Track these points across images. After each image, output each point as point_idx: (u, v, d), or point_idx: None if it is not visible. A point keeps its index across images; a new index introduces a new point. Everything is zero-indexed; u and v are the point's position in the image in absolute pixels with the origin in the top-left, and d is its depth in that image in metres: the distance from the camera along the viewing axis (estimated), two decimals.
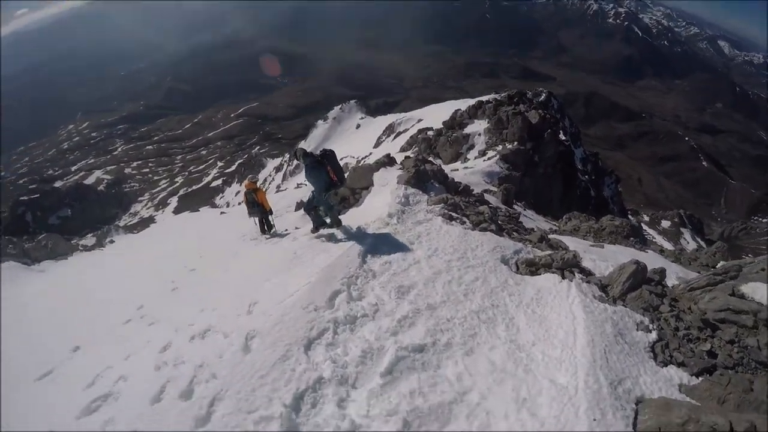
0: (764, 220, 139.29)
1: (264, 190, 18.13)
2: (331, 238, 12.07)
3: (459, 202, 14.81)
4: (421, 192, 15.09)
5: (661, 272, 10.07)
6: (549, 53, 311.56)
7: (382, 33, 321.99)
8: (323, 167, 11.54)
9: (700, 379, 6.63)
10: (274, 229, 17.14)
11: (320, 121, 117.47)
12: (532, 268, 10.46)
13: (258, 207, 16.58)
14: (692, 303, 8.65)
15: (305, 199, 13.83)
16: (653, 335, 7.60)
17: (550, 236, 16.16)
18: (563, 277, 9.76)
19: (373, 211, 13.71)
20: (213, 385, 6.39)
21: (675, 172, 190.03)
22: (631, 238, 22.80)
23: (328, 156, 11.83)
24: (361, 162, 55.81)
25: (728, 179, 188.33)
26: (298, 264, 10.70)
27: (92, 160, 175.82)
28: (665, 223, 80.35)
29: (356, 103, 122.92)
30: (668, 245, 61.08)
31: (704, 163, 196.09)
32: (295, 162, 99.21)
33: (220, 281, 12.15)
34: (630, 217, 68.01)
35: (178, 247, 22.87)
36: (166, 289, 13.41)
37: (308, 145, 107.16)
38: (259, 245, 15.14)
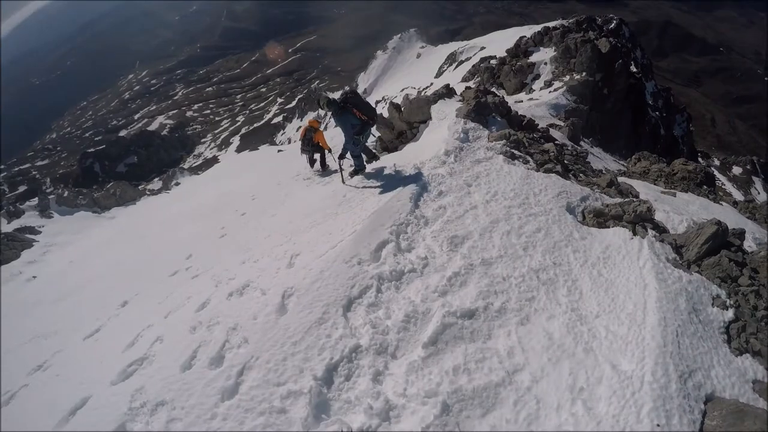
0: None
1: (323, 130, 17.59)
2: (384, 178, 11.35)
3: (522, 139, 13.60)
4: (481, 127, 13.87)
5: (741, 234, 9.00)
6: None
7: None
8: (348, 111, 11.10)
9: None
10: (328, 167, 16.57)
11: (379, 52, 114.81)
12: (600, 219, 9.44)
13: (313, 146, 16.11)
14: (766, 266, 7.84)
15: None
16: (730, 313, 6.78)
17: (620, 179, 15.05)
18: (634, 233, 8.76)
19: (429, 147, 12.77)
20: (244, 351, 5.94)
21: (751, 115, 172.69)
22: (704, 187, 21.29)
23: (350, 98, 11.27)
24: (423, 92, 54.40)
25: None
26: (347, 208, 10.07)
27: (154, 107, 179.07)
28: (736, 170, 75.42)
29: (416, 32, 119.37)
30: (737, 194, 57.88)
31: None
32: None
33: (267, 227, 11.66)
34: (700, 159, 64.70)
35: (233, 189, 22.71)
36: (216, 235, 13.18)
37: (367, 77, 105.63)
38: (311, 186, 14.53)
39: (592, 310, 6.64)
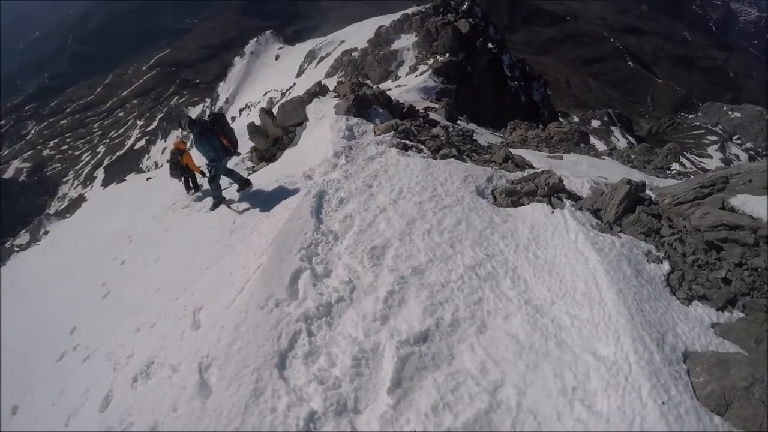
0: (690, 116, 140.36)
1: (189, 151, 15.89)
2: (273, 194, 9.97)
3: (410, 127, 12.88)
4: (365, 121, 12.96)
5: (644, 186, 8.93)
6: None
7: None
8: (214, 133, 10.12)
9: (726, 313, 6.21)
10: (200, 191, 14.87)
11: (237, 58, 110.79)
12: (514, 197, 9.03)
13: (182, 169, 14.41)
14: (682, 219, 8.21)
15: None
16: (666, 266, 6.96)
17: (508, 149, 14.84)
18: (553, 206, 8.51)
19: (314, 150, 11.63)
20: None
21: (601, 73, 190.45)
22: (582, 145, 21.91)
23: (218, 120, 10.41)
24: (287, 94, 53.06)
25: (654, 78, 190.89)
26: (241, 237, 8.65)
27: (6, 151, 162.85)
28: (595, 123, 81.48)
29: (272, 34, 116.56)
30: (600, 144, 61.98)
31: (630, 63, 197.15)
32: (218, 106, 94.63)
33: (154, 277, 9.82)
34: (561, 119, 68.45)
35: (106, 232, 20.29)
36: (98, 295, 11.17)
37: (227, 86, 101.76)
38: (192, 214, 12.63)
39: (545, 297, 6.13)
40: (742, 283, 6.66)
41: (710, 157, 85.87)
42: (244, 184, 10.94)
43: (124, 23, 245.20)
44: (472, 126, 23.33)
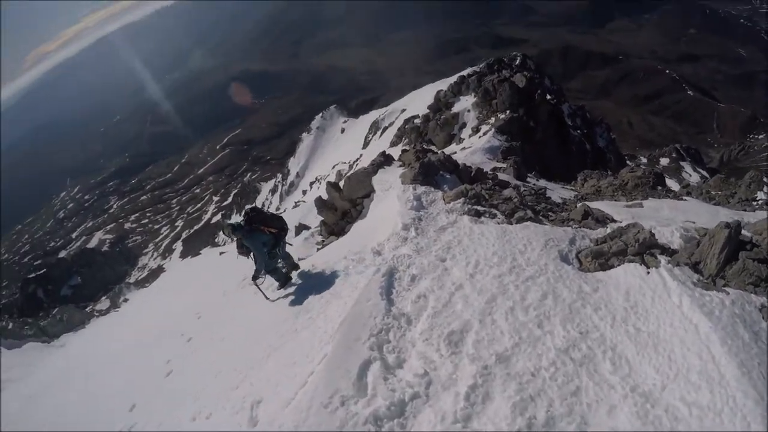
0: (760, 137, 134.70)
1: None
2: (341, 274, 9.43)
3: (481, 192, 12.19)
4: (432, 189, 12.41)
5: (739, 227, 7.82)
6: (516, 16, 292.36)
7: (345, 32, 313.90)
8: (256, 231, 10.07)
9: None
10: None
11: (305, 134, 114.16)
12: (601, 259, 8.09)
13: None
14: None
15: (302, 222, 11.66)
16: None
17: (586, 203, 13.93)
18: (647, 265, 7.50)
19: (382, 223, 11.16)
20: None
21: (662, 108, 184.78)
22: (659, 188, 20.67)
23: (253, 217, 10.22)
24: (354, 165, 53.58)
25: (716, 103, 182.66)
26: (307, 321, 8.11)
27: (90, 223, 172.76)
28: (664, 161, 78.16)
29: (336, 108, 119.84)
30: (673, 183, 59.33)
31: (689, 92, 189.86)
32: (290, 181, 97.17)
33: (217, 359, 9.52)
34: (628, 162, 66.37)
35: (178, 305, 20.51)
36: (161, 373, 10.96)
37: (297, 161, 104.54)
38: (259, 293, 12.59)
39: (653, 381, 5.14)
40: None
41: None
42: (292, 267, 10.81)
43: (198, 107, 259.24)
44: (542, 182, 22.46)
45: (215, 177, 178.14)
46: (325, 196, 17.95)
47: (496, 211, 10.86)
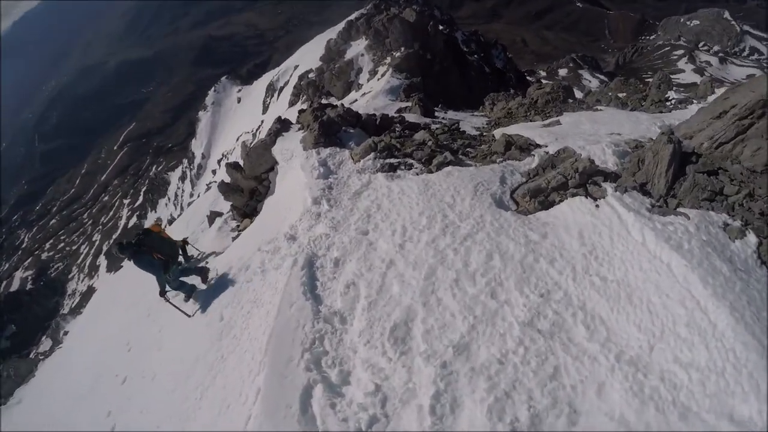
0: (651, 37, 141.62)
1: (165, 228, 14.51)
2: (257, 271, 8.16)
3: (391, 142, 11.14)
4: (338, 149, 11.21)
5: (670, 131, 7.59)
6: None
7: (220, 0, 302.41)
8: (144, 253, 9.33)
9: None
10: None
11: (201, 112, 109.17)
12: (541, 197, 7.46)
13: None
14: (730, 163, 6.95)
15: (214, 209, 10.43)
16: (752, 237, 5.67)
17: (497, 132, 13.32)
18: (593, 197, 6.96)
19: (291, 199, 9.99)
20: None
21: (554, 22, 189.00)
22: (570, 101, 20.37)
23: (142, 239, 9.41)
24: (257, 133, 51.71)
25: (606, 11, 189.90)
26: (231, 341, 6.85)
27: (6, 265, 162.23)
28: (562, 72, 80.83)
29: (228, 78, 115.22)
30: (576, 92, 60.79)
31: (578, 3, 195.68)
32: (197, 164, 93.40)
33: (152, 404, 8.20)
34: (528, 77, 67.41)
35: (108, 337, 18.88)
36: (101, 419, 9.73)
37: (200, 142, 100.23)
38: (181, 306, 11.19)
39: (639, 343, 4.46)
40: None
41: (682, 71, 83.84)
42: (202, 274, 9.82)
43: (84, 111, 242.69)
44: (450, 114, 21.64)
45: (120, 179, 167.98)
46: (227, 179, 16.40)
47: (411, 161, 9.89)
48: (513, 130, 12.96)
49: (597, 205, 6.63)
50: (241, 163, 15.32)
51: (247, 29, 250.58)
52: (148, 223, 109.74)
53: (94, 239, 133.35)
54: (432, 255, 6.25)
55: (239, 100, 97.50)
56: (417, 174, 8.97)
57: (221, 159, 73.32)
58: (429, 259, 6.18)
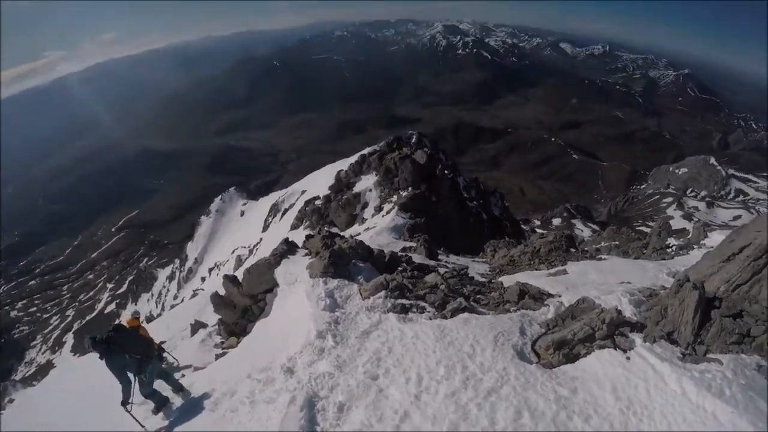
0: (642, 187, 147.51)
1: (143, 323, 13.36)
2: (245, 403, 7.05)
3: (403, 282, 10.51)
4: (346, 281, 10.54)
5: (687, 278, 7.49)
6: (411, 97, 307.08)
7: (248, 114, 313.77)
8: (116, 351, 8.67)
9: None
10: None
11: (203, 217, 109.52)
12: (566, 349, 6.93)
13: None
14: (749, 304, 6.91)
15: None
16: None
17: (501, 279, 13.23)
18: (623, 350, 6.61)
19: (291, 327, 9.13)
20: None
21: (550, 173, 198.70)
22: (572, 250, 20.15)
23: (113, 337, 8.71)
24: (254, 250, 51.23)
25: (600, 162, 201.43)
26: None
27: None
28: (556, 221, 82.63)
29: (236, 190, 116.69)
30: None
31: (574, 155, 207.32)
32: (188, 267, 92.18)
33: None
34: (523, 226, 68.54)
35: (49, 424, 16.94)
36: None
37: (196, 246, 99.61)
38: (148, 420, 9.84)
39: None
40: None
41: (671, 217, 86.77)
42: (177, 388, 9.13)
43: (93, 184, 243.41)
44: (453, 258, 21.27)
45: (109, 262, 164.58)
46: (222, 291, 15.50)
47: (424, 304, 9.30)
48: (520, 278, 12.65)
49: (628, 357, 6.30)
50: (240, 278, 14.55)
51: (263, 146, 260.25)
52: (125, 314, 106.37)
53: (67, 314, 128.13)
54: (453, 410, 5.48)
55: (242, 213, 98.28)
56: (430, 318, 8.34)
57: (213, 268, 72.38)
58: (450, 414, 5.41)
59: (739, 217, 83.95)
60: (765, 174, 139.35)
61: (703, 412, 5.01)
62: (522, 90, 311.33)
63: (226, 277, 15.09)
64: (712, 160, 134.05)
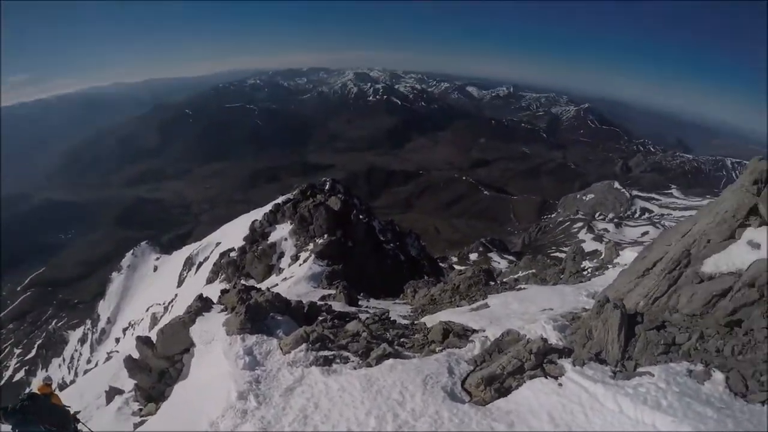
0: (552, 215, 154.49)
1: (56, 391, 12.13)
2: None
3: (324, 332, 10.15)
4: (265, 336, 10.07)
5: (607, 299, 7.78)
6: (324, 143, 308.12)
7: (159, 163, 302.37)
8: (30, 422, 8.23)
9: None
10: None
11: (115, 273, 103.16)
12: (497, 384, 6.90)
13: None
14: (668, 313, 7.44)
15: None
16: (718, 375, 5.86)
17: (424, 319, 13.31)
18: (554, 377, 6.66)
19: (210, 390, 8.50)
20: None
21: (463, 210, 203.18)
22: (491, 282, 20.46)
23: (27, 406, 8.25)
24: (169, 307, 48.96)
25: (510, 197, 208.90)
26: None
27: None
28: (473, 256, 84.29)
29: (148, 244, 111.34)
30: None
31: (485, 192, 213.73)
32: (100, 327, 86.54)
33: None
34: (441, 264, 69.53)
35: None
36: None
37: (108, 305, 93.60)
38: None
39: None
40: None
41: (583, 241, 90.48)
42: None
43: None
44: (373, 303, 21.04)
45: (16, 324, 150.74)
46: (136, 354, 14.40)
47: (347, 353, 9.02)
48: (443, 316, 12.66)
49: (560, 384, 6.33)
50: (154, 338, 13.59)
51: (175, 197, 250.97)
52: (36, 382, 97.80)
53: None
54: None
55: (155, 269, 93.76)
56: (355, 368, 8.06)
57: (127, 327, 68.39)
58: None
59: (646, 233, 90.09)
60: (666, 191, 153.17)
61: (643, 425, 5.08)
62: (432, 133, 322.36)
63: (139, 338, 14.03)
64: (616, 184, 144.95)
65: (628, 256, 17.08)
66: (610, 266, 16.91)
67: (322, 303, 15.97)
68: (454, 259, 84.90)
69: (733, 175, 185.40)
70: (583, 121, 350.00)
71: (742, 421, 4.81)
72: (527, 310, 11.21)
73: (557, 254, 79.49)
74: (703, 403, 5.16)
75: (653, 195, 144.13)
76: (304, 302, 13.81)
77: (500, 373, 6.88)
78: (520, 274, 21.78)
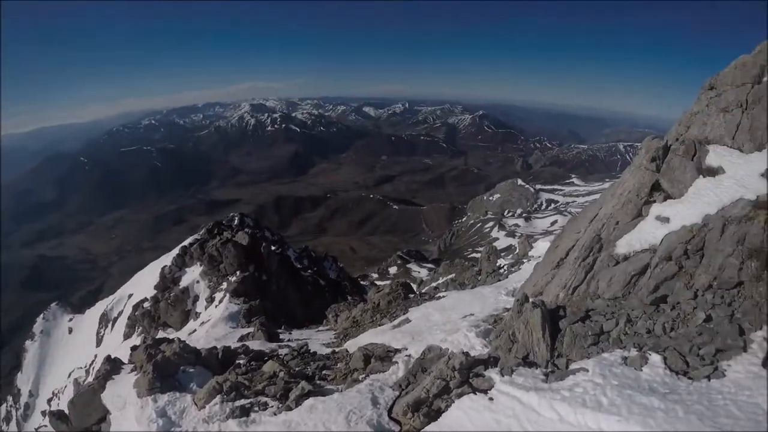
0: (463, 219, 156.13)
1: None
2: None
3: (237, 380, 9.49)
4: (178, 393, 9.33)
5: (526, 297, 7.65)
6: (226, 178, 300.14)
7: (58, 218, 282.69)
8: None
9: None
10: None
11: (28, 342, 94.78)
12: (424, 408, 6.48)
13: None
14: (591, 300, 7.29)
15: None
16: (655, 357, 5.63)
17: (350, 343, 12.95)
18: (482, 392, 6.22)
19: None
20: None
21: (376, 227, 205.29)
22: (411, 295, 20.43)
23: None
24: (91, 369, 45.60)
25: (420, 207, 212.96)
26: None
27: None
28: (393, 270, 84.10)
29: (58, 305, 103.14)
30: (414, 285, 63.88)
31: (394, 206, 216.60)
32: (23, 402, 79.30)
33: None
34: (362, 282, 69.32)
35: None
36: None
37: (27, 377, 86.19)
38: None
39: None
40: (727, 307, 5.73)
41: (497, 239, 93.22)
42: None
43: None
44: (296, 334, 20.33)
45: None
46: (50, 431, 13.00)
47: (265, 399, 8.43)
48: (365, 339, 12.44)
49: (491, 398, 5.90)
50: (67, 411, 12.31)
51: (80, 252, 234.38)
52: None
53: None
54: None
55: (70, 331, 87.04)
56: (275, 414, 7.56)
57: (51, 398, 62.82)
58: None
59: (555, 221, 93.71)
60: (567, 181, 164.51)
61: (587, 429, 4.69)
62: (334, 156, 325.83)
63: (51, 414, 12.64)
64: (520, 181, 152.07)
65: (541, 246, 17.50)
66: (525, 260, 17.21)
67: (238, 345, 15.24)
68: (375, 276, 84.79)
69: (627, 157, 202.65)
70: (479, 127, 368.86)
71: (691, 405, 4.49)
72: (449, 318, 11.08)
73: (474, 254, 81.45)
74: (647, 393, 4.85)
75: (556, 186, 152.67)
76: (218, 347, 13.01)
77: (426, 396, 6.50)
78: (441, 281, 21.82)
